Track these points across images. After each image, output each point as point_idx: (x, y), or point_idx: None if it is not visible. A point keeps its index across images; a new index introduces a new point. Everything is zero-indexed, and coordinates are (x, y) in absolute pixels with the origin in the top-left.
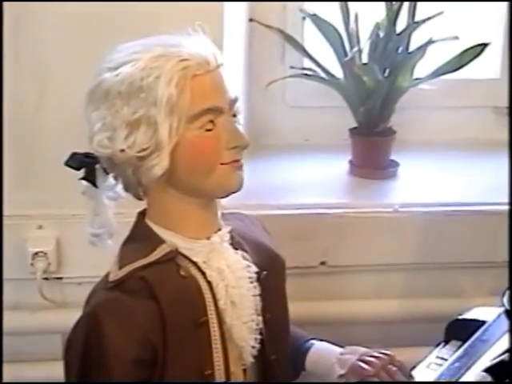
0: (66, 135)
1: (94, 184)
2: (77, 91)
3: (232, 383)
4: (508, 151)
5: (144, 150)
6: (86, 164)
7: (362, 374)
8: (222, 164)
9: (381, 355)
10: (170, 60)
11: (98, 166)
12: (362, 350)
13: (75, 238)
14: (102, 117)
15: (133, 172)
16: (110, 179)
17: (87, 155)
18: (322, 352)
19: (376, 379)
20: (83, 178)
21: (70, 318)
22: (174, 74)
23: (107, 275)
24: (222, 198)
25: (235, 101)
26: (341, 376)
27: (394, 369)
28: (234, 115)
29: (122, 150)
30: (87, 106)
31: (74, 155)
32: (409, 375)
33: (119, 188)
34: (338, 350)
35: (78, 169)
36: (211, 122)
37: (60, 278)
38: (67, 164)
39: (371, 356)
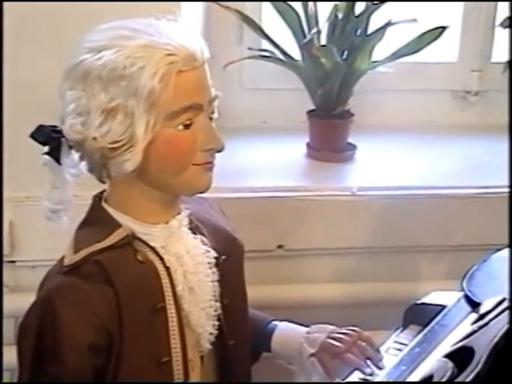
0: (20, 118)
1: (58, 161)
2: (32, 73)
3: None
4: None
5: (117, 141)
6: (51, 139)
7: (334, 352)
8: (194, 164)
9: (349, 331)
10: (156, 53)
11: (63, 140)
12: (330, 327)
13: (29, 220)
14: (77, 97)
15: (100, 157)
16: (74, 156)
17: (54, 129)
18: (288, 332)
19: (349, 355)
20: (47, 153)
21: (24, 302)
22: (159, 67)
23: (62, 259)
24: (188, 196)
25: (215, 98)
26: (311, 355)
27: (364, 344)
28: (212, 112)
29: (95, 138)
30: (63, 84)
31: (40, 128)
32: (376, 350)
33: (82, 165)
34: (304, 329)
35: (43, 143)
36: (189, 119)
37: (13, 262)
38: (32, 136)
39: (340, 333)
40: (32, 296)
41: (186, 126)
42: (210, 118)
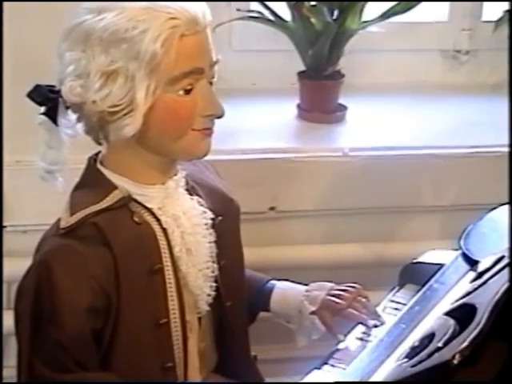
0: (9, 82)
1: (55, 121)
2: (27, 33)
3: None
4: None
5: (117, 105)
6: (49, 100)
7: (336, 308)
8: (194, 130)
9: (349, 288)
10: (159, 16)
11: (60, 100)
12: (329, 285)
13: (19, 185)
14: (76, 58)
15: (98, 120)
16: (71, 116)
17: (51, 89)
18: (287, 291)
19: (351, 310)
20: (43, 114)
21: (16, 266)
22: (162, 31)
23: (58, 222)
24: (186, 161)
25: (216, 62)
26: (312, 313)
27: (364, 300)
28: (213, 76)
29: (94, 102)
30: (62, 44)
31: (37, 87)
32: (374, 309)
33: (79, 126)
34: (303, 287)
35: (40, 104)
36: (190, 84)
37: (4, 227)
38: (30, 96)
39: (339, 289)
40: (23, 261)
41: (187, 92)
42: (210, 83)
